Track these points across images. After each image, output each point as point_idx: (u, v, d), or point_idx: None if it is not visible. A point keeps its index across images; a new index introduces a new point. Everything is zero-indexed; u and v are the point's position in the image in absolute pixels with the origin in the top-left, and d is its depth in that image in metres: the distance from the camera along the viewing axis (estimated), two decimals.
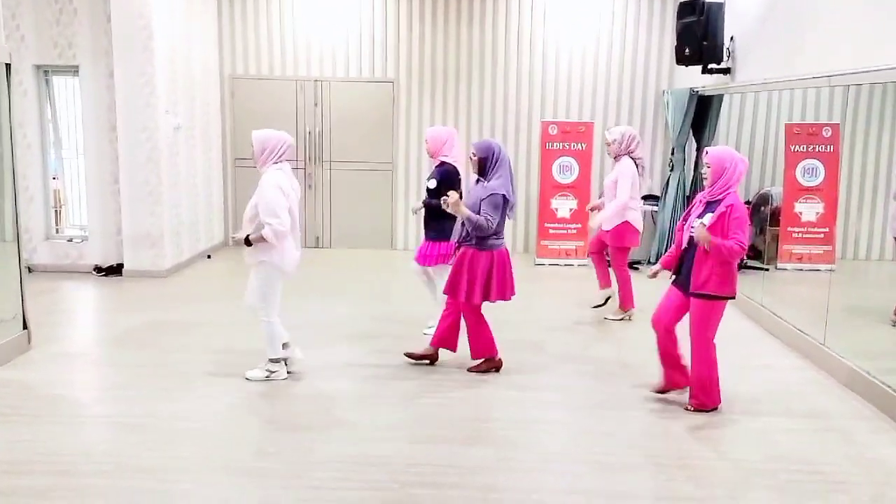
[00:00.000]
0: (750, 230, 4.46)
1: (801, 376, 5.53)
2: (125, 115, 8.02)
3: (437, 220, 5.87)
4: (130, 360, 5.56)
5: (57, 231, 8.71)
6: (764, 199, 8.56)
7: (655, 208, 9.49)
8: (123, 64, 7.93)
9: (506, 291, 5.24)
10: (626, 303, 6.87)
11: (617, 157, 6.76)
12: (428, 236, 6.02)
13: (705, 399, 4.75)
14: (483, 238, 5.11)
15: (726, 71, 7.83)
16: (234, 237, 5.02)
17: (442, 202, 5.17)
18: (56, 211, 8.72)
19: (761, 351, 6.14)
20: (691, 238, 4.58)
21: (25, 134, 8.22)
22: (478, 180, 5.22)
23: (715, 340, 4.68)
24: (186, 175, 8.81)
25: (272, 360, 5.16)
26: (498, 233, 5.15)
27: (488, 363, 5.43)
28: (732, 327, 6.76)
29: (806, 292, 7.76)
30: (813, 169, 7.94)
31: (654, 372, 5.10)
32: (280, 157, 4.94)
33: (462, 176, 6.06)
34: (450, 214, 5.44)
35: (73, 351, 5.81)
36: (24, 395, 4.89)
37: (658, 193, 9.67)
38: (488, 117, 9.85)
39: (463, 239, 5.23)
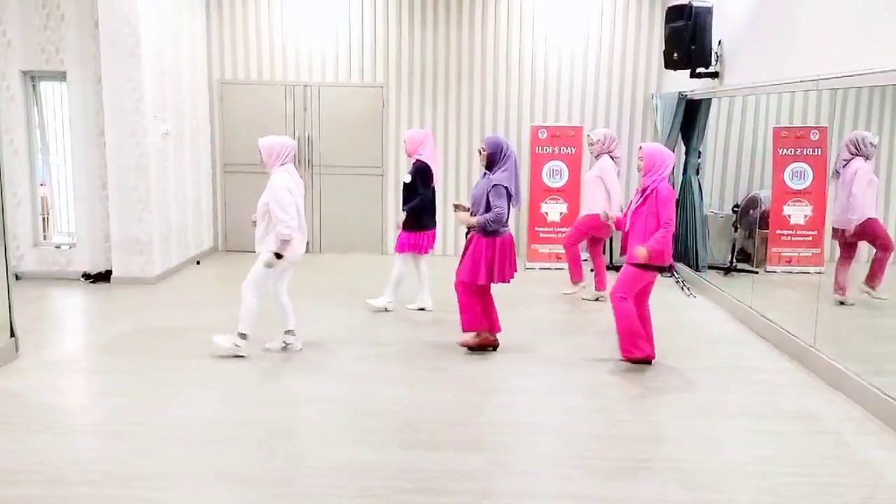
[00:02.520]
0: (673, 213, 5.33)
1: (790, 378, 5.55)
2: (113, 120, 7.98)
3: (414, 215, 6.73)
4: (119, 368, 5.53)
5: (45, 238, 8.66)
6: (753, 203, 8.61)
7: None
8: (111, 69, 7.90)
9: (505, 273, 5.66)
10: (575, 276, 7.73)
11: (598, 156, 7.51)
12: (405, 227, 6.77)
13: (632, 348, 5.50)
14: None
15: (715, 75, 7.87)
16: (266, 262, 5.49)
17: (456, 215, 5.89)
18: (44, 217, 8.66)
19: (751, 353, 6.15)
20: (633, 224, 5.48)
21: (12, 140, 8.18)
22: (484, 174, 5.69)
23: (628, 298, 5.42)
24: (175, 181, 8.77)
25: (241, 335, 5.57)
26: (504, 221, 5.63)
27: (481, 339, 5.81)
28: (722, 330, 6.81)
29: (795, 295, 7.80)
30: (801, 172, 7.99)
31: (645, 371, 5.14)
32: (286, 159, 5.52)
33: (434, 172, 6.84)
34: (427, 208, 6.73)
35: (61, 358, 5.78)
36: (12, 403, 4.85)
37: None
38: (478, 121, 9.86)
39: (471, 228, 5.70)
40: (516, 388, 5.24)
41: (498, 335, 5.93)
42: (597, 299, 7.61)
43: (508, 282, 5.75)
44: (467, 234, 5.81)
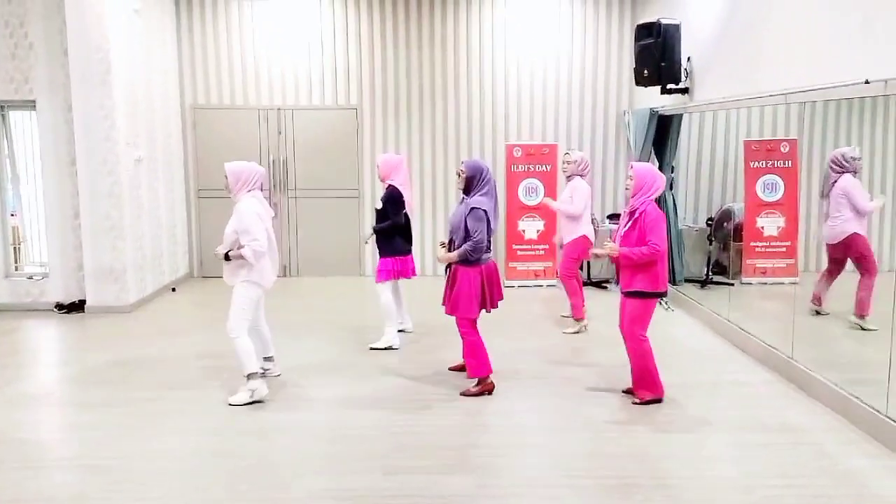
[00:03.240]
0: (663, 233, 5.03)
1: (771, 390, 5.59)
2: (85, 148, 7.90)
3: (388, 239, 6.58)
4: (96, 400, 5.43)
5: (16, 268, 8.52)
6: (726, 215, 8.71)
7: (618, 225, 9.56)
8: (82, 97, 7.83)
9: (494, 300, 5.47)
10: (576, 312, 7.22)
11: (571, 177, 7.31)
12: (382, 254, 6.62)
13: (649, 391, 5.24)
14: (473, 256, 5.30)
15: (685, 91, 7.97)
16: (216, 253, 5.27)
17: (439, 256, 5.50)
18: (15, 248, 8.53)
19: (732, 367, 6.19)
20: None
21: None
22: (462, 199, 5.43)
23: (647, 335, 5.19)
24: (149, 207, 8.69)
25: (250, 377, 5.27)
26: (485, 248, 5.35)
27: (483, 385, 5.49)
28: (702, 344, 6.84)
29: (771, 306, 7.88)
30: (773, 184, 8.10)
31: (620, 390, 5.14)
32: (254, 185, 5.31)
33: (407, 198, 6.64)
34: (400, 231, 6.58)
35: (36, 392, 5.66)
36: None
37: (621, 212, 9.77)
38: (453, 141, 9.89)
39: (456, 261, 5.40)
40: (500, 410, 5.22)
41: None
42: (577, 331, 7.14)
43: (496, 307, 5.50)
44: (447, 268, 5.51)
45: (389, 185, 6.61)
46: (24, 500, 3.94)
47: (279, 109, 9.79)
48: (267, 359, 5.77)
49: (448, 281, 5.46)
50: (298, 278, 9.96)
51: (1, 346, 6.40)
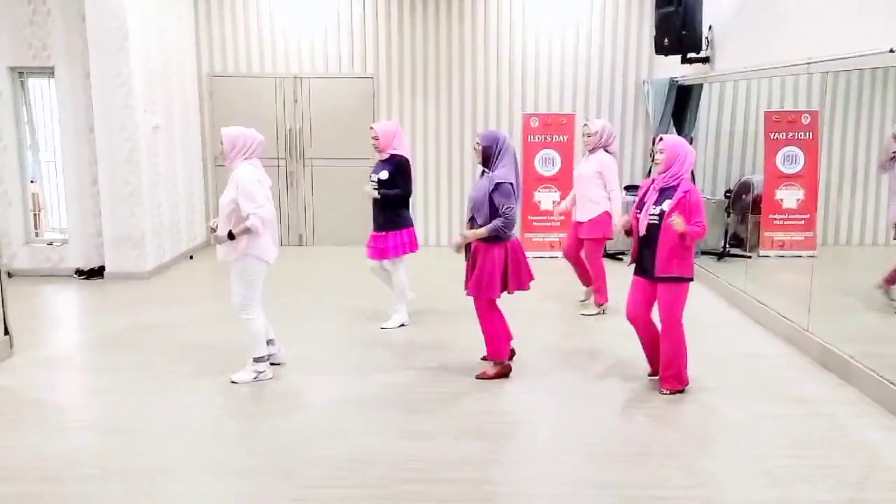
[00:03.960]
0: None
1: (786, 362, 5.57)
2: (103, 116, 7.94)
3: (393, 210, 6.12)
4: (114, 364, 5.51)
5: (36, 235, 8.61)
6: (745, 187, 8.62)
7: (636, 198, 9.50)
8: (99, 64, 7.84)
9: (523, 280, 5.11)
10: (600, 297, 6.81)
11: (594, 150, 6.67)
12: (384, 227, 6.15)
13: (677, 381, 4.91)
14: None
15: (705, 60, 7.87)
16: (216, 236, 4.97)
17: (456, 246, 5.15)
18: (35, 214, 8.62)
19: (746, 338, 6.18)
20: (650, 225, 4.72)
21: (1, 137, 8.13)
22: (483, 172, 5.08)
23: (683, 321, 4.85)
24: (167, 175, 8.73)
25: (257, 360, 5.13)
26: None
27: (500, 368, 5.21)
28: (717, 316, 6.83)
29: (788, 279, 7.83)
30: (793, 156, 8.01)
31: (640, 363, 5.15)
32: (251, 153, 4.97)
33: (412, 167, 6.28)
34: (406, 202, 6.15)
35: (56, 355, 5.75)
36: (7, 401, 4.83)
37: (639, 183, 9.71)
38: (469, 111, 9.83)
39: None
40: (513, 377, 5.24)
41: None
42: (597, 313, 6.81)
43: (528, 289, 5.15)
44: (467, 249, 5.12)
45: (394, 155, 6.13)
46: (43, 460, 4.02)
47: (295, 78, 9.76)
48: (268, 342, 5.28)
49: (470, 262, 5.12)
50: (314, 247, 10.00)
51: (21, 311, 6.48)
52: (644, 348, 5.09)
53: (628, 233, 5.03)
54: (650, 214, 4.73)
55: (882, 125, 7.41)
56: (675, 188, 4.70)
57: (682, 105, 8.78)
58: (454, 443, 4.21)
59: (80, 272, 8.30)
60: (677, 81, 8.63)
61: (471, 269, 5.09)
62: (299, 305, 7.02)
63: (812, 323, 5.71)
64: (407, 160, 6.19)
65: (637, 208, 4.89)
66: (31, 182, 8.55)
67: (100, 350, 5.88)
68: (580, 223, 6.73)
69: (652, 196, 4.79)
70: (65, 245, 8.44)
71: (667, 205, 4.66)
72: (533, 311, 6.82)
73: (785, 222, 8.10)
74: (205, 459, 4.03)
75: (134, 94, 7.90)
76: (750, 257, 8.24)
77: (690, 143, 8.70)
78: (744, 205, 8.62)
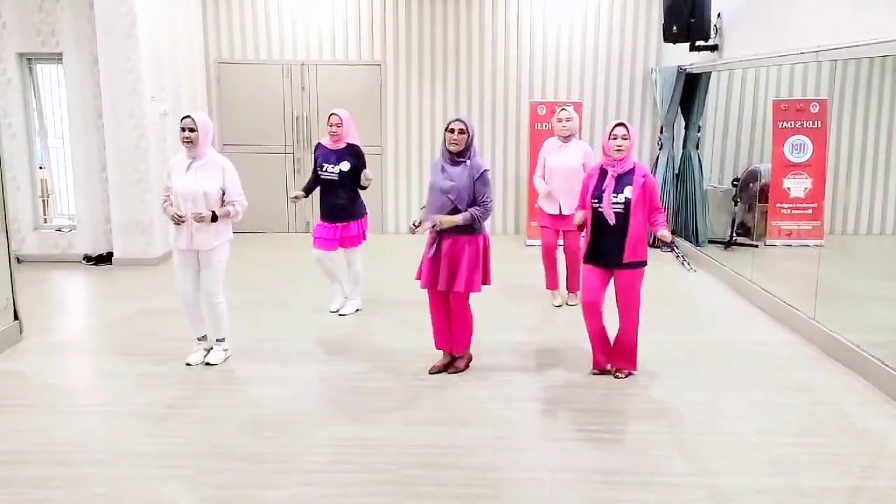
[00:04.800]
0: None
1: (791, 351, 5.58)
2: (111, 102, 7.96)
3: (354, 200, 6.18)
4: (123, 349, 5.55)
5: (45, 221, 8.66)
6: (752, 176, 8.60)
7: None
8: (108, 51, 7.86)
9: (488, 274, 5.00)
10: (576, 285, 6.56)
11: (568, 138, 6.49)
12: (344, 217, 6.15)
13: (634, 364, 5.01)
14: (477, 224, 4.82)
15: (714, 48, 7.83)
16: (200, 215, 4.86)
17: (432, 223, 4.77)
18: (44, 200, 8.66)
19: (751, 326, 6.18)
20: (617, 215, 4.68)
21: (10, 123, 8.16)
22: (456, 162, 4.77)
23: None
24: None
25: (225, 339, 5.31)
26: None
27: (469, 358, 5.18)
28: (723, 304, 6.83)
29: (795, 267, 7.82)
30: (801, 145, 7.98)
31: (648, 349, 5.16)
32: (212, 140, 5.05)
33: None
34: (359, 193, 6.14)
35: (65, 340, 5.80)
36: (17, 385, 4.88)
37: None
38: (476, 98, 9.81)
39: (446, 230, 4.79)
40: (517, 364, 5.26)
41: (500, 319, 5.48)
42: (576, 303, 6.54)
43: (490, 283, 5.01)
44: (435, 240, 4.83)
45: (351, 144, 6.12)
46: (54, 442, 4.07)
47: (303, 64, 9.76)
48: (218, 340, 5.35)
49: (435, 255, 4.84)
50: None
51: (30, 297, 6.53)
52: (593, 340, 5.01)
53: (581, 227, 4.95)
54: (615, 203, 4.69)
55: (892, 114, 7.38)
56: (631, 173, 4.72)
57: (689, 93, 8.75)
58: (459, 429, 4.23)
59: (88, 258, 8.35)
60: (685, 69, 8.59)
61: (446, 263, 4.81)
62: (306, 293, 7.04)
63: (818, 312, 5.71)
64: (361, 150, 6.22)
65: (594, 198, 4.78)
66: (40, 168, 8.59)
67: (108, 335, 5.92)
68: (562, 217, 6.47)
69: (611, 184, 4.72)
70: (73, 231, 8.48)
71: (629, 191, 4.68)
72: (541, 297, 6.82)
73: (792, 211, 8.08)
74: (212, 443, 4.07)
75: (142, 81, 7.92)
76: (757, 246, 8.23)
77: (698, 132, 8.77)
78: (751, 194, 8.61)
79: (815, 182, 7.96)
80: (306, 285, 7.19)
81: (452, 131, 4.73)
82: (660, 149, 9.19)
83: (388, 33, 9.72)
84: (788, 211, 8.08)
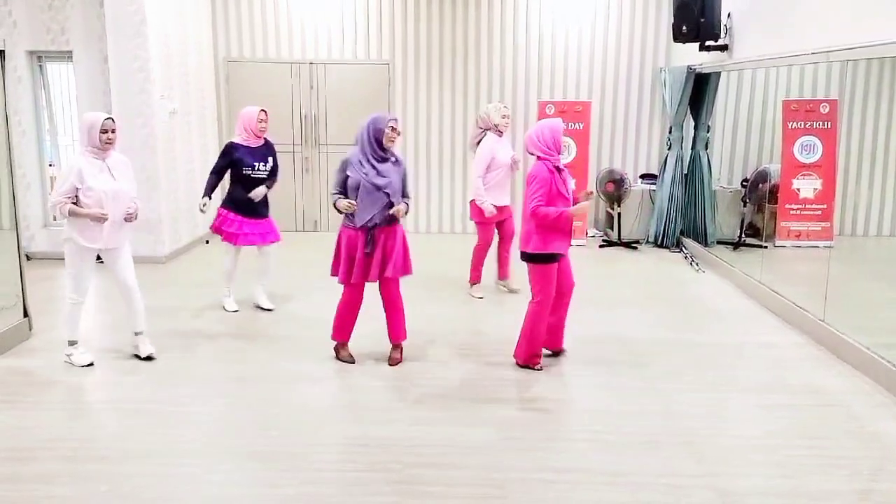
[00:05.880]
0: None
1: (800, 353, 5.55)
2: (120, 100, 7.98)
3: (267, 197, 6.41)
4: (130, 346, 5.56)
5: (54, 218, 8.68)
6: (762, 177, 8.57)
7: (653, 187, 9.48)
8: (117, 49, 7.88)
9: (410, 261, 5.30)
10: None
11: (503, 133, 6.88)
12: (264, 214, 6.40)
13: (538, 356, 5.16)
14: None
15: (724, 48, 7.80)
16: (135, 213, 5.15)
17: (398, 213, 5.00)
18: None
19: (761, 328, 6.16)
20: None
21: (20, 121, 8.19)
22: (389, 159, 5.01)
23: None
24: (183, 160, 8.77)
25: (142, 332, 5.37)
26: None
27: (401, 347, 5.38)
28: (731, 305, 6.80)
29: (804, 269, 7.79)
30: (811, 145, 7.94)
31: (643, 348, 5.14)
32: None
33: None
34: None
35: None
36: (26, 381, 4.90)
37: (656, 172, 9.67)
38: (485, 98, 9.80)
39: (383, 222, 5.00)
40: (510, 366, 5.25)
41: (500, 318, 5.63)
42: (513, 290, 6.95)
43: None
44: (369, 231, 5.01)
45: (269, 140, 6.41)
46: (62, 439, 4.08)
47: (311, 63, 9.77)
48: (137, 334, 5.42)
49: (374, 246, 5.01)
50: (328, 233, 10.02)
51: (40, 294, 6.56)
52: (559, 325, 5.27)
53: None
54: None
55: None
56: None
57: (698, 93, 8.73)
58: (464, 429, 4.23)
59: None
60: (695, 69, 8.56)
61: (382, 253, 5.04)
62: (312, 292, 7.04)
63: (828, 313, 5.68)
64: None
65: (568, 196, 5.02)
66: (50, 165, 8.62)
67: (116, 332, 5.93)
68: (502, 208, 6.80)
69: (567, 181, 5.02)
70: None
71: (572, 184, 5.08)
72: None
73: (802, 212, 8.04)
74: (219, 441, 4.08)
75: (151, 79, 7.94)
76: (766, 247, 8.20)
77: (707, 132, 8.74)
78: (760, 194, 8.57)
79: (825, 183, 7.91)
80: (308, 285, 7.19)
81: (394, 129, 4.96)
82: (668, 149, 9.17)
83: (397, 33, 9.72)
84: (798, 212, 8.04)
